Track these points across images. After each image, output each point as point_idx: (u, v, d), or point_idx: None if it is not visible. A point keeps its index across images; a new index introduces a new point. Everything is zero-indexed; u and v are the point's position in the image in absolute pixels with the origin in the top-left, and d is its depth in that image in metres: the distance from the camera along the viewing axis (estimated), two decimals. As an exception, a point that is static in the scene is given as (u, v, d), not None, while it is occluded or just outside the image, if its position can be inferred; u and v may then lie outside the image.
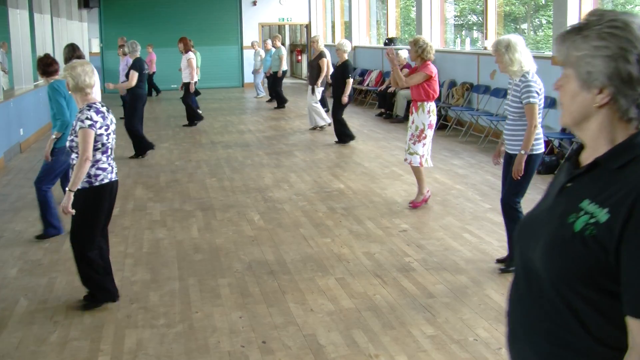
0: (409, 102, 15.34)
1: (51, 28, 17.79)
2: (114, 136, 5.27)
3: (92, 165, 5.07)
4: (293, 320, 4.96)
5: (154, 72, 21.74)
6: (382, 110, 16.43)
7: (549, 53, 11.08)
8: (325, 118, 14.09)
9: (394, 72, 7.91)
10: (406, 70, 15.32)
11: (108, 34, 24.86)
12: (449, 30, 17.21)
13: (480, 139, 12.18)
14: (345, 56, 12.44)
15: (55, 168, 7.06)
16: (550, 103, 10.44)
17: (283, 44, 21.13)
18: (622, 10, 1.89)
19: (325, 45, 14.87)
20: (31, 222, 7.78)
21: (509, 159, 5.86)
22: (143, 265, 6.26)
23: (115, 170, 5.30)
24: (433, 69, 7.93)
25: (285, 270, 6.01)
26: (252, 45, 22.41)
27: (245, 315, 5.09)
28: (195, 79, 15.08)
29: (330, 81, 13.88)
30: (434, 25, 15.69)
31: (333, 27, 25.05)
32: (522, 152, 5.63)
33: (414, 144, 7.98)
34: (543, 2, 21.73)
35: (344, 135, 12.51)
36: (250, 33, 26.06)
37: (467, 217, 7.57)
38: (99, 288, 5.35)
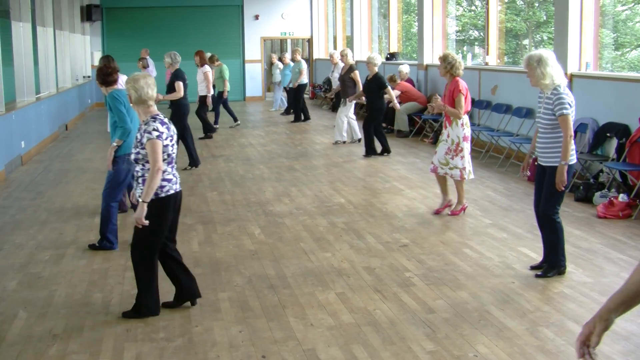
0: (409, 117, 15.42)
1: (54, 41, 17.86)
2: (176, 146, 5.31)
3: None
4: (293, 335, 4.95)
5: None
6: (384, 125, 16.42)
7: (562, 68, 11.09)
8: (357, 133, 14.15)
9: (448, 113, 8.05)
10: (408, 85, 15.47)
11: (110, 47, 24.93)
12: (450, 46, 17.26)
13: (481, 155, 12.18)
14: (376, 69, 12.54)
15: (119, 178, 7.10)
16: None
17: (282, 58, 21.13)
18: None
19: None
20: (31, 235, 7.78)
21: (542, 171, 6.04)
22: (143, 278, 6.24)
23: (179, 180, 5.33)
24: (463, 84, 8.10)
25: (285, 285, 6.00)
26: (272, 59, 22.57)
27: (245, 329, 5.07)
28: (212, 92, 15.16)
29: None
30: (436, 40, 15.74)
31: (335, 41, 25.13)
32: (563, 162, 5.83)
33: (452, 158, 8.17)
34: (544, 19, 21.82)
35: (370, 148, 12.64)
36: (253, 47, 26.16)
37: (467, 232, 7.56)
38: (148, 302, 5.34)
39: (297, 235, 7.58)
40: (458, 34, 22.69)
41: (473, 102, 13.40)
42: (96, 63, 24.74)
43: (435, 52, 15.81)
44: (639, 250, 6.78)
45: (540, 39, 22.21)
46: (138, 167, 5.20)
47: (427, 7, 15.64)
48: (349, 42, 22.86)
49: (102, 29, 25.10)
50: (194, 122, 16.52)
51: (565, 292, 5.69)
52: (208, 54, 18.65)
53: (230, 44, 25.84)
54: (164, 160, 5.11)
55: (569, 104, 5.82)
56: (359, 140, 14.03)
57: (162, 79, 16.19)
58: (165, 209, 5.20)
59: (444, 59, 8.16)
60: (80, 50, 23.03)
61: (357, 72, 13.84)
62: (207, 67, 14.95)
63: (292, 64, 19.63)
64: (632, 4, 18.84)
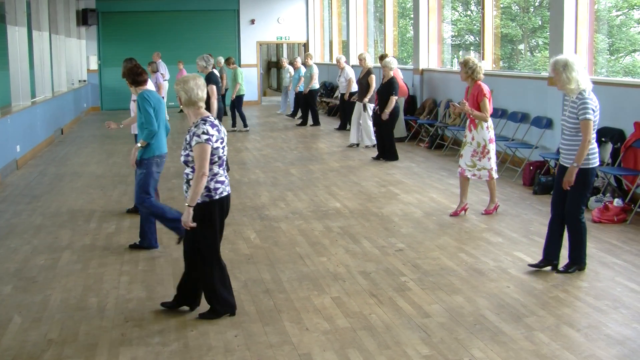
0: (406, 122, 15.43)
1: (49, 45, 17.86)
2: (227, 148, 5.31)
3: (211, 179, 5.12)
4: (288, 340, 4.95)
5: None
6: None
7: (545, 74, 11.13)
8: (372, 139, 14.18)
9: (475, 117, 8.28)
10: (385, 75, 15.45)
11: (106, 52, 24.98)
12: (446, 50, 17.31)
13: (476, 159, 12.19)
14: (391, 73, 12.56)
15: (149, 181, 7.10)
16: (547, 124, 10.48)
17: (294, 62, 21.12)
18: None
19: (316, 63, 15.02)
20: (26, 239, 7.77)
21: (564, 172, 6.18)
22: (138, 283, 6.24)
23: (228, 182, 5.33)
24: (486, 88, 8.37)
25: (281, 289, 6.00)
26: (282, 63, 22.66)
27: (241, 334, 5.07)
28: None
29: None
30: (431, 45, 15.77)
31: (331, 46, 25.17)
32: (575, 165, 5.99)
33: (480, 160, 8.41)
34: (540, 24, 21.88)
35: (389, 153, 12.70)
36: (249, 52, 26.19)
37: (463, 237, 7.57)
38: (221, 301, 5.35)
39: (292, 239, 7.58)
40: (454, 38, 22.75)
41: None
42: (92, 67, 24.85)
43: (431, 56, 15.85)
44: (633, 254, 6.80)
45: (535, 44, 22.28)
46: (188, 170, 5.18)
47: (423, 11, 15.67)
48: (345, 46, 22.89)
49: (97, 33, 25.09)
50: (182, 127, 16.55)
51: (560, 296, 5.70)
52: (220, 58, 18.75)
53: (226, 49, 25.83)
54: (214, 162, 5.09)
55: (593, 109, 5.97)
56: (374, 145, 14.05)
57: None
58: (221, 211, 5.22)
59: (465, 64, 8.41)
60: (76, 55, 23.04)
61: (373, 75, 13.95)
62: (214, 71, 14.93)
63: (303, 68, 19.63)
64: (627, 10, 18.92)
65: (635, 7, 19.20)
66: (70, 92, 20.39)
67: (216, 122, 5.20)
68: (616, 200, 8.20)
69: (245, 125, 17.76)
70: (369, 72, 14.07)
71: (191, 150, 5.07)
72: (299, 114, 19.52)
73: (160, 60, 21.42)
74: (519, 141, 11.30)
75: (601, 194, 8.66)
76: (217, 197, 5.15)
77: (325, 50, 26.29)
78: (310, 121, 18.78)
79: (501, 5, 20.73)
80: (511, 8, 22.94)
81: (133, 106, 8.43)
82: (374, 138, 14.27)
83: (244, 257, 6.97)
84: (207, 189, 5.11)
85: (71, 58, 21.97)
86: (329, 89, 22.71)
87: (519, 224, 7.99)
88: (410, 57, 19.19)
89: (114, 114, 23.38)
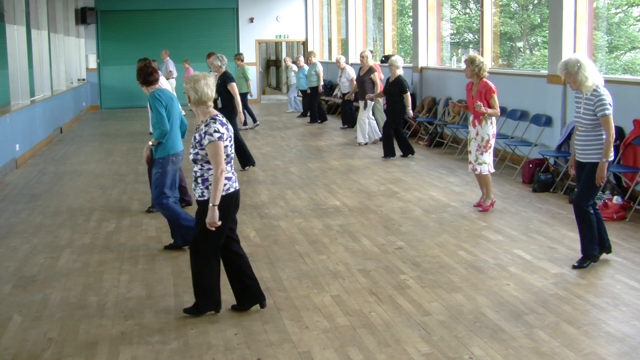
0: (405, 120, 15.42)
1: (48, 44, 17.84)
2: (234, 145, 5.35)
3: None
4: (288, 338, 4.95)
5: None
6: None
7: (544, 72, 11.13)
8: (366, 137, 14.29)
9: (489, 114, 8.40)
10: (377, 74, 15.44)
11: (105, 50, 24.97)
12: (445, 48, 17.30)
13: (476, 157, 12.19)
14: (398, 72, 12.54)
15: (165, 181, 7.10)
16: (546, 121, 10.48)
17: (297, 61, 21.11)
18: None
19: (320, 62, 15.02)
20: (26, 238, 7.77)
21: (582, 167, 6.33)
22: (138, 281, 6.24)
23: (236, 178, 5.36)
24: (493, 84, 8.56)
25: (280, 287, 6.00)
26: (285, 61, 22.72)
27: (241, 332, 5.07)
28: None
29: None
30: (430, 43, 15.77)
31: (330, 44, 25.16)
32: (604, 160, 6.14)
33: (482, 154, 8.56)
34: (539, 22, 21.88)
35: (406, 148, 12.77)
36: (248, 50, 26.16)
37: (462, 234, 7.57)
38: (207, 298, 5.37)
39: (292, 237, 7.58)
40: (453, 36, 22.74)
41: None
42: (91, 66, 24.84)
43: (430, 54, 15.84)
44: (633, 252, 6.80)
45: (534, 41, 22.28)
46: (196, 167, 5.24)
47: (422, 9, 15.66)
48: (344, 44, 22.89)
49: (96, 32, 25.08)
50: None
51: (560, 294, 5.70)
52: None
53: (225, 47, 25.80)
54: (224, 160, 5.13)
55: (610, 104, 6.10)
56: (380, 139, 14.00)
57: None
58: (228, 207, 5.24)
59: (472, 61, 8.59)
60: (74, 53, 23.02)
61: (376, 73, 13.96)
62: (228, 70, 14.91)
63: (306, 66, 19.63)
64: (626, 7, 18.92)
65: (634, 4, 19.20)
66: (69, 91, 20.38)
67: (225, 120, 5.24)
68: (615, 197, 8.20)
69: (255, 121, 17.83)
70: (370, 70, 14.07)
71: (201, 149, 5.12)
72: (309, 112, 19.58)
73: (168, 58, 21.41)
74: (518, 139, 11.30)
75: (600, 192, 8.65)
76: (224, 193, 5.19)
77: (324, 48, 26.28)
78: (317, 118, 18.81)
79: (500, 3, 20.74)
80: (510, 6, 22.94)
81: None
82: (367, 136, 14.32)
83: (244, 255, 6.97)
84: None
85: (70, 57, 21.95)
86: (327, 87, 22.71)
87: (519, 222, 8.00)
88: (410, 55, 19.19)
89: (112, 113, 23.42)
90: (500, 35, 19.54)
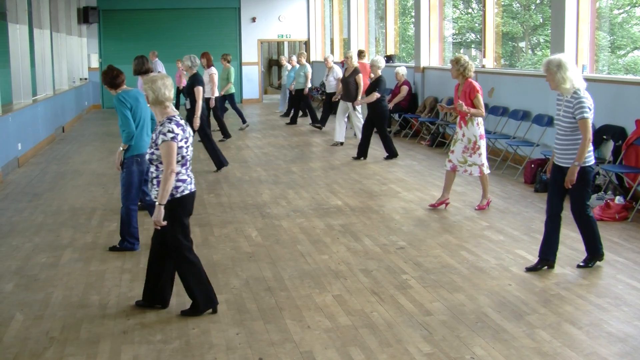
0: (407, 120, 15.43)
1: (50, 43, 17.85)
2: (192, 148, 5.34)
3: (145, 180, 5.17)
4: (290, 337, 4.95)
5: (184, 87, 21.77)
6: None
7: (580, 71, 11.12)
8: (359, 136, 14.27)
9: (472, 114, 8.42)
10: (405, 88, 15.48)
11: (107, 50, 24.99)
12: (447, 48, 17.31)
13: (478, 157, 12.18)
14: (379, 72, 12.50)
15: (132, 180, 7.11)
16: (548, 121, 10.47)
17: (290, 60, 21.05)
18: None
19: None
20: (28, 237, 7.77)
21: (559, 171, 6.21)
22: (140, 281, 6.23)
23: (193, 181, 5.37)
24: (477, 85, 8.50)
25: (282, 287, 6.00)
26: (281, 61, 22.71)
27: (242, 331, 5.07)
28: (216, 93, 15.06)
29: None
30: (432, 43, 15.77)
31: (332, 43, 25.15)
32: (576, 164, 6.01)
33: (471, 156, 8.58)
34: (541, 21, 21.87)
35: (362, 151, 12.71)
36: (250, 49, 26.18)
37: (464, 234, 7.57)
38: (198, 297, 5.39)
39: (294, 237, 7.58)
40: (455, 36, 22.72)
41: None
42: (93, 65, 24.85)
43: (432, 54, 15.85)
44: (635, 252, 6.80)
45: (536, 41, 22.27)
46: (152, 168, 5.25)
47: (424, 9, 15.66)
48: (346, 44, 22.89)
49: (98, 31, 25.10)
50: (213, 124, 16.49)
51: (562, 294, 5.70)
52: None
53: (227, 47, 25.83)
54: (177, 161, 5.14)
55: (589, 108, 5.97)
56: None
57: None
58: (183, 208, 5.28)
59: (457, 61, 8.57)
60: (77, 53, 23.03)
61: (361, 75, 13.89)
62: (213, 69, 14.92)
63: (298, 66, 19.56)
64: (628, 7, 18.90)
65: (636, 4, 19.19)
66: (71, 90, 20.39)
67: (182, 121, 5.25)
68: (617, 198, 8.20)
69: (244, 122, 17.71)
70: (355, 71, 13.94)
71: (156, 149, 5.15)
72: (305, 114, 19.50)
73: (157, 59, 21.38)
74: (520, 139, 11.29)
75: (602, 192, 8.65)
76: (178, 195, 5.21)
77: (326, 48, 26.27)
78: (297, 120, 18.70)
79: (502, 3, 20.72)
80: (512, 6, 22.93)
81: None
82: (344, 135, 14.41)
83: (246, 255, 6.98)
84: None
85: (72, 56, 21.96)
86: (319, 91, 22.64)
87: (520, 222, 7.99)
88: (412, 55, 19.19)
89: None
90: (503, 35, 19.53)
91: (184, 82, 20.90)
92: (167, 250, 5.40)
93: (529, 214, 8.35)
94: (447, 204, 8.74)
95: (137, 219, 7.27)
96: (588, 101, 5.98)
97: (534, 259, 6.54)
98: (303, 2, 26.63)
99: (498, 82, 12.62)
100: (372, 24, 22.14)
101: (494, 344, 4.76)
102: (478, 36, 21.15)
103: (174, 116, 5.23)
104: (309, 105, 18.65)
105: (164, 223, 5.14)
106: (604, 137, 9.25)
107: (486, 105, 12.71)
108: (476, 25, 22.86)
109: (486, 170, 8.61)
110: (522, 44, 22.81)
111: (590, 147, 6.09)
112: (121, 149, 7.05)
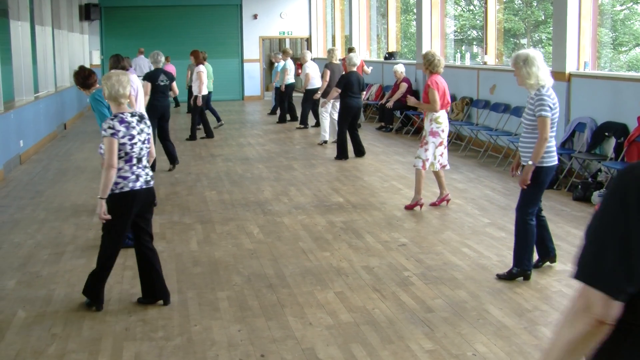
0: (409, 117, 15.44)
1: (52, 40, 17.85)
2: (146, 145, 5.35)
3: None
4: (292, 334, 4.95)
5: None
6: (382, 124, 16.50)
7: (548, 68, 11.09)
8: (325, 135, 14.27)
9: (421, 108, 8.72)
10: (405, 85, 15.49)
11: (109, 46, 24.95)
12: (449, 45, 17.27)
13: (479, 154, 12.19)
14: (354, 69, 12.43)
15: None
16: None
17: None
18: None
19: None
20: (30, 234, 7.78)
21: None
22: (142, 277, 6.24)
23: (144, 179, 5.37)
24: (436, 80, 8.46)
25: (284, 284, 6.01)
26: (272, 59, 22.72)
27: (244, 328, 5.08)
28: (205, 92, 15.05)
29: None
30: (434, 40, 15.75)
31: (333, 40, 25.14)
32: (530, 162, 5.74)
33: (419, 149, 8.58)
34: (543, 18, 21.84)
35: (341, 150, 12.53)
36: (251, 47, 26.17)
37: (466, 231, 7.57)
38: (93, 293, 5.52)
39: (295, 234, 7.59)
40: (456, 33, 22.65)
41: (471, 101, 13.45)
42: (95, 62, 24.86)
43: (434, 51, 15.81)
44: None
45: (538, 38, 22.23)
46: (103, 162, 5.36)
47: (426, 6, 15.64)
48: (348, 41, 22.87)
49: (100, 28, 25.11)
50: (181, 122, 16.47)
51: (563, 290, 5.70)
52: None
53: (228, 43, 25.86)
54: (120, 157, 5.20)
55: (550, 106, 5.70)
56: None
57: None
58: (122, 206, 5.29)
59: (424, 56, 8.62)
60: (78, 50, 23.03)
61: (328, 71, 13.90)
62: (200, 67, 14.95)
63: (282, 63, 19.46)
64: (631, 4, 18.86)
65: (639, 1, 19.15)
66: (73, 87, 20.32)
67: (131, 118, 5.27)
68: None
69: (218, 120, 17.42)
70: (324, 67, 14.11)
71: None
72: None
73: (141, 56, 21.38)
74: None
75: (604, 189, 8.64)
76: (117, 191, 5.24)
77: (328, 45, 26.25)
78: (286, 117, 18.62)
79: (504, 0, 20.69)
80: (514, 2, 22.89)
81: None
82: (329, 133, 14.36)
83: (247, 252, 6.98)
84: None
85: (74, 53, 21.96)
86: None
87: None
88: (413, 52, 19.17)
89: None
90: (504, 32, 19.49)
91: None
92: (143, 244, 5.53)
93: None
94: (448, 201, 8.72)
95: None
96: (550, 99, 5.72)
97: (535, 255, 6.53)
98: (305, -1, 26.63)
99: (500, 79, 12.61)
100: (374, 21, 22.12)
101: (496, 341, 4.77)
102: (480, 33, 21.11)
103: (122, 113, 5.27)
104: (282, 101, 18.64)
105: (108, 217, 5.20)
106: (606, 134, 9.25)
107: (487, 102, 12.74)
108: (478, 22, 22.82)
109: (430, 167, 8.46)
110: (524, 41, 22.77)
111: (553, 148, 5.83)
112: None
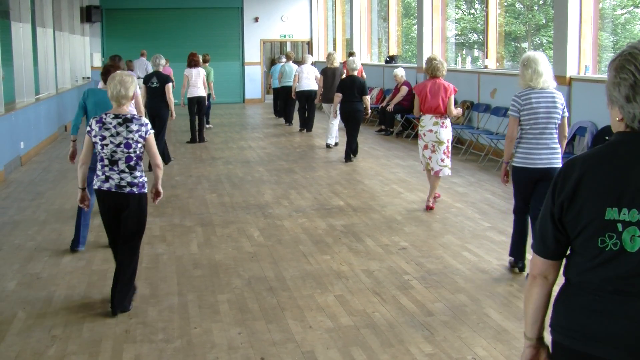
0: (409, 120, 15.44)
1: (53, 42, 17.86)
2: (122, 150, 5.34)
3: (91, 168, 5.63)
4: (292, 337, 4.95)
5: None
6: (382, 127, 16.50)
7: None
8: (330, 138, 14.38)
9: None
10: (405, 88, 15.54)
11: (110, 49, 24.95)
12: (449, 49, 17.29)
13: (480, 158, 12.20)
14: (354, 73, 12.50)
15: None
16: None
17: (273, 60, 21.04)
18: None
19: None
20: (30, 235, 7.78)
21: None
22: (142, 280, 6.25)
23: (115, 182, 5.40)
24: (423, 86, 8.77)
25: (284, 287, 6.01)
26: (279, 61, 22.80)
27: (244, 331, 5.08)
28: (195, 94, 15.06)
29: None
30: (435, 43, 15.76)
31: (334, 44, 25.15)
32: (502, 160, 6.24)
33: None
34: (544, 22, 21.85)
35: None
36: (252, 49, 26.19)
37: (466, 235, 7.57)
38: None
39: (296, 237, 7.59)
40: (457, 37, 22.68)
41: (472, 105, 13.46)
42: (96, 64, 24.87)
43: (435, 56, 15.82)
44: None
45: (539, 42, 22.24)
46: None
47: (427, 10, 15.65)
48: (349, 44, 22.89)
49: (101, 30, 25.14)
50: (181, 125, 16.47)
51: (563, 295, 5.69)
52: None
53: (229, 46, 25.88)
54: (96, 156, 5.48)
55: (518, 108, 5.95)
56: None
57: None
58: (99, 201, 5.53)
59: (427, 61, 8.98)
60: (79, 51, 23.05)
61: (320, 76, 14.19)
62: (186, 70, 14.98)
63: (279, 65, 19.47)
64: (631, 7, 18.87)
65: (639, 5, 19.16)
66: (74, 89, 20.40)
67: (109, 120, 5.35)
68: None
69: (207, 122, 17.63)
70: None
71: None
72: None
73: (142, 58, 21.45)
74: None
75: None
76: (94, 187, 5.52)
77: (329, 48, 26.27)
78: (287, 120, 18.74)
79: (505, 3, 20.70)
80: (515, 6, 22.91)
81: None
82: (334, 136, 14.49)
83: (248, 255, 6.98)
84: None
85: (75, 55, 21.98)
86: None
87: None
88: (414, 55, 19.18)
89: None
90: (505, 36, 19.50)
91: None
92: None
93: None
94: (428, 207, 8.71)
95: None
96: (521, 100, 5.94)
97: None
98: (306, 2, 26.64)
99: (500, 82, 12.62)
100: (375, 25, 22.14)
101: (496, 345, 4.76)
102: (481, 37, 21.13)
103: (107, 113, 5.41)
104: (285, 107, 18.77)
105: (82, 206, 5.77)
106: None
107: (488, 106, 12.75)
108: (479, 25, 22.84)
109: (424, 167, 8.88)
110: (524, 45, 22.78)
111: (526, 149, 6.00)
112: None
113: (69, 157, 7.68)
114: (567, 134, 6.18)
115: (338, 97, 12.44)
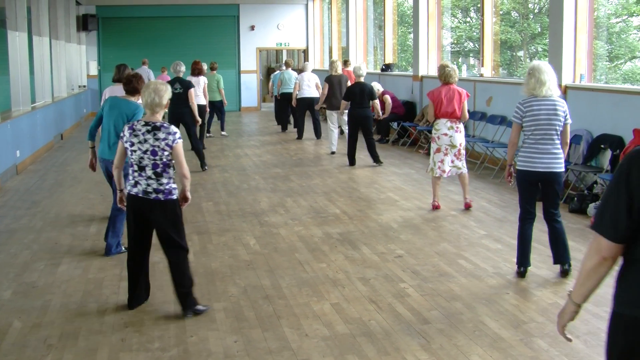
0: (405, 128, 15.46)
1: (49, 50, 17.88)
2: (149, 156, 5.37)
3: (126, 173, 5.79)
4: (288, 345, 4.95)
5: None
6: (379, 136, 16.51)
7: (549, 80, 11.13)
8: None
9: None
10: (388, 97, 15.68)
11: (106, 57, 25.03)
12: (445, 57, 17.33)
13: (476, 166, 12.21)
14: (361, 80, 12.64)
15: (112, 186, 7.58)
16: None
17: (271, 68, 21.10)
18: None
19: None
20: (26, 244, 7.77)
21: None
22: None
23: (142, 188, 5.44)
24: (437, 92, 9.02)
25: (280, 295, 6.01)
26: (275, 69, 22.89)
27: (240, 339, 5.08)
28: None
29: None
30: (431, 52, 15.81)
31: (330, 52, 25.21)
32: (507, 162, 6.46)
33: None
34: (539, 30, 21.92)
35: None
36: (248, 58, 26.23)
37: (462, 243, 7.58)
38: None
39: (292, 245, 7.59)
40: (453, 45, 22.76)
41: (468, 113, 13.49)
42: (92, 72, 24.88)
43: (431, 63, 15.88)
44: (632, 261, 6.80)
45: (534, 50, 22.31)
46: None
47: (423, 18, 15.71)
48: (344, 53, 22.93)
49: (97, 39, 25.16)
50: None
51: (559, 303, 5.70)
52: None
53: (226, 55, 25.90)
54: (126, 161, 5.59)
55: (520, 114, 6.23)
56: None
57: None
58: (129, 206, 5.59)
59: (440, 68, 9.22)
60: (76, 60, 23.07)
61: (326, 84, 14.30)
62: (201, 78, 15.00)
63: (278, 73, 19.55)
64: (626, 17, 18.96)
65: (634, 14, 19.25)
66: (70, 97, 20.41)
67: (139, 127, 5.41)
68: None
69: (208, 131, 17.82)
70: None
71: None
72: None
73: (144, 67, 21.52)
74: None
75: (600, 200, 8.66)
76: (126, 191, 5.64)
77: (325, 56, 26.33)
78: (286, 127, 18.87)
79: (501, 12, 20.78)
80: (511, 15, 23.00)
81: None
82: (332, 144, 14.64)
83: (244, 263, 6.98)
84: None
85: (71, 63, 22.00)
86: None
87: (518, 231, 7.98)
88: (410, 64, 19.24)
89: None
90: (501, 44, 19.57)
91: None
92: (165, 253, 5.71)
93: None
94: (435, 207, 9.16)
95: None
96: (523, 107, 6.21)
97: (532, 267, 6.54)
98: (302, 11, 26.70)
99: (496, 90, 12.65)
100: (371, 33, 22.19)
101: (492, 353, 4.77)
102: (476, 45, 21.19)
103: (139, 120, 5.49)
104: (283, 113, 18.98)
105: (119, 206, 5.89)
106: (602, 146, 9.28)
107: (484, 114, 12.78)
108: (474, 34, 22.91)
109: (429, 172, 9.23)
110: (520, 53, 22.86)
111: (526, 154, 6.27)
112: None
113: (88, 165, 7.64)
114: (568, 141, 6.38)
115: (344, 104, 12.86)
